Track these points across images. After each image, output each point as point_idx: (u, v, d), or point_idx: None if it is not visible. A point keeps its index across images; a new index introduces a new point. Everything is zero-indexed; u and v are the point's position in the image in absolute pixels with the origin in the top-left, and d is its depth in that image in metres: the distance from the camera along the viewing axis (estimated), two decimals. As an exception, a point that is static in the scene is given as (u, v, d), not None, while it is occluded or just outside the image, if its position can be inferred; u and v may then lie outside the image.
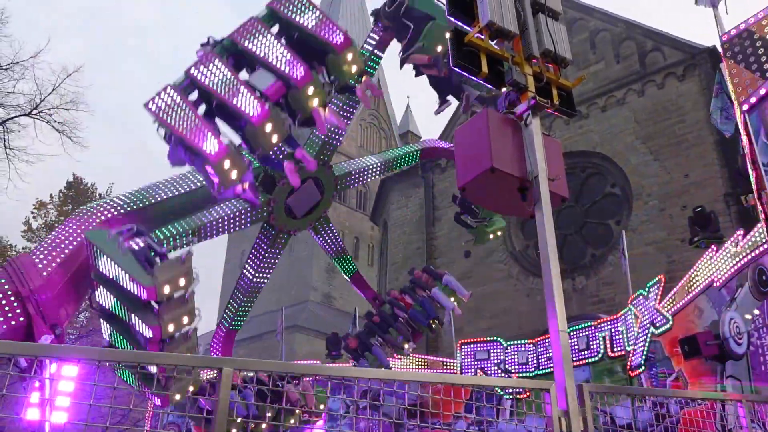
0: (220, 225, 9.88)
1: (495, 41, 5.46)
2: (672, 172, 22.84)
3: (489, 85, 5.40)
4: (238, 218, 10.05)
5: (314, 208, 10.71)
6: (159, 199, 9.10)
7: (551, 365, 15.65)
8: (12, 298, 7.10)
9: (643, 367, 13.40)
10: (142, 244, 7.26)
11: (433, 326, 12.95)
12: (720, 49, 7.87)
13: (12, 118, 21.39)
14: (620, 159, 24.44)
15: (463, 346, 16.51)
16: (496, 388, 5.21)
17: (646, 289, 13.73)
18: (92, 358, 3.49)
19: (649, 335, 13.37)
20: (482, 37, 5.33)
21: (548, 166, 5.04)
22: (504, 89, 5.41)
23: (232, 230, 10.18)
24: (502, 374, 15.56)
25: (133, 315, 6.99)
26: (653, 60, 24.90)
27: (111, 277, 7.15)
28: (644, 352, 13.49)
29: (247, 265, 11.74)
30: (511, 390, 10.44)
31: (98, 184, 29.10)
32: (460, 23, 5.53)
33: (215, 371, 3.07)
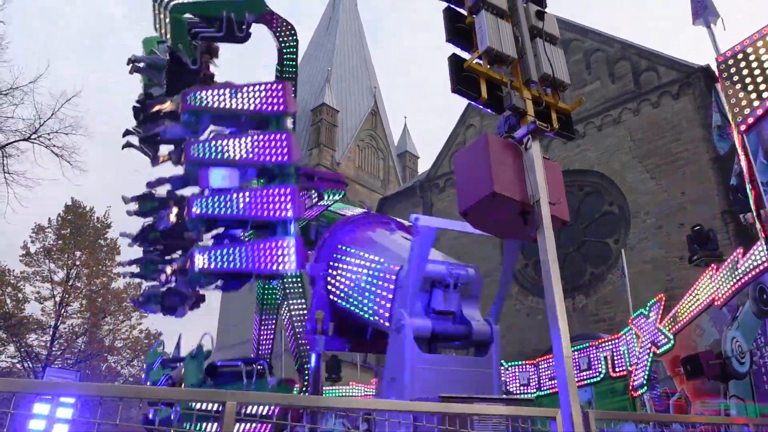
0: None
1: (493, 66, 5.49)
2: (669, 190, 22.91)
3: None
4: None
5: None
6: None
7: (553, 386, 15.53)
8: None
9: (646, 387, 13.31)
10: None
11: None
12: (714, 69, 7.92)
13: (11, 143, 21.43)
14: (617, 177, 24.52)
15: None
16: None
17: (647, 308, 13.69)
18: (92, 394, 3.45)
19: (651, 355, 13.30)
20: (481, 62, 5.36)
21: (549, 190, 5.04)
22: (503, 113, 5.42)
23: None
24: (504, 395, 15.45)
25: None
26: (648, 79, 25.10)
27: None
28: (646, 372, 13.41)
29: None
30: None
31: (96, 208, 29.05)
32: (459, 49, 5.56)
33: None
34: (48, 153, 21.99)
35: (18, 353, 23.92)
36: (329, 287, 6.94)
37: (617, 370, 14.66)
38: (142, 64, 11.72)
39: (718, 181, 21.66)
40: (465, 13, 5.70)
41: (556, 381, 15.04)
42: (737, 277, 10.96)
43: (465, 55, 5.52)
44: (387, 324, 6.08)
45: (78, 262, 27.17)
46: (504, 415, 4.33)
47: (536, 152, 5.09)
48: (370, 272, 6.49)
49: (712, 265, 12.29)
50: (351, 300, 6.64)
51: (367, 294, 6.45)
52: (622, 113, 25.11)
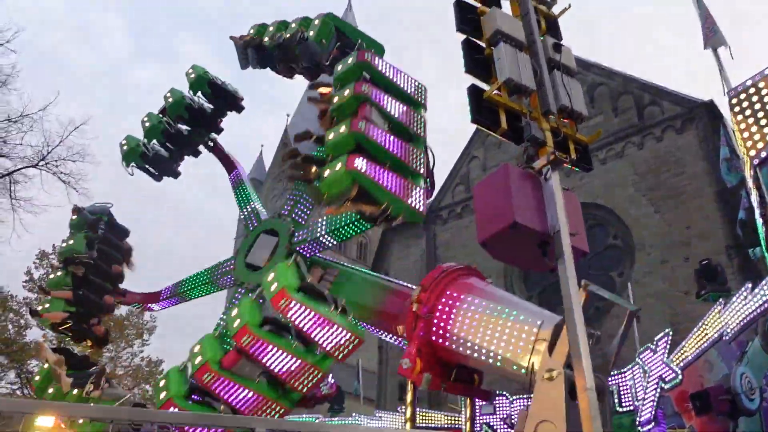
0: None
1: (512, 97, 5.53)
2: (673, 224, 22.91)
3: None
4: None
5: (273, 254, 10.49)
6: None
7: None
8: None
9: (653, 423, 13.13)
10: None
11: None
12: (718, 103, 8.00)
13: (19, 169, 21.55)
14: (621, 211, 24.54)
15: (467, 400, 16.17)
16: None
17: (654, 342, 13.57)
18: (109, 417, 3.41)
19: (658, 390, 13.15)
20: (500, 93, 5.40)
21: (568, 221, 5.04)
22: (522, 144, 5.45)
23: None
24: (509, 430, 15.26)
25: None
26: (651, 113, 25.29)
27: None
28: (653, 408, 13.25)
29: None
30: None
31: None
32: (477, 80, 5.61)
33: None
34: (54, 180, 22.10)
35: (18, 379, 23.71)
36: (436, 331, 7.13)
37: (624, 405, 14.48)
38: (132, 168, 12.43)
39: (722, 216, 21.66)
40: (483, 45, 5.77)
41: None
42: (746, 313, 10.90)
43: (484, 86, 5.57)
44: (523, 372, 6.43)
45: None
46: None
47: (556, 183, 5.10)
48: (509, 323, 6.74)
49: (720, 300, 12.24)
50: (471, 345, 6.88)
51: (502, 343, 6.70)
52: (626, 147, 25.24)
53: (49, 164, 21.81)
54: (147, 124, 12.30)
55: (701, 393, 11.42)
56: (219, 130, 13.06)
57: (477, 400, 8.45)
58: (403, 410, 17.65)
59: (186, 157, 13.02)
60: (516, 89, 5.43)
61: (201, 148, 12.99)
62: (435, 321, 7.23)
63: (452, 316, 7.12)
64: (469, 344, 6.90)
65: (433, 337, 7.26)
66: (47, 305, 11.53)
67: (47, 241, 35.53)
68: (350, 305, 8.22)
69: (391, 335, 8.69)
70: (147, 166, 12.51)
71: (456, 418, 16.42)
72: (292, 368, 7.33)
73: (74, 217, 12.43)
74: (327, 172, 8.05)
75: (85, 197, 22.26)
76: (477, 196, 5.41)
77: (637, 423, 13.75)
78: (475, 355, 6.88)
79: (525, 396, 15.95)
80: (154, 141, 12.40)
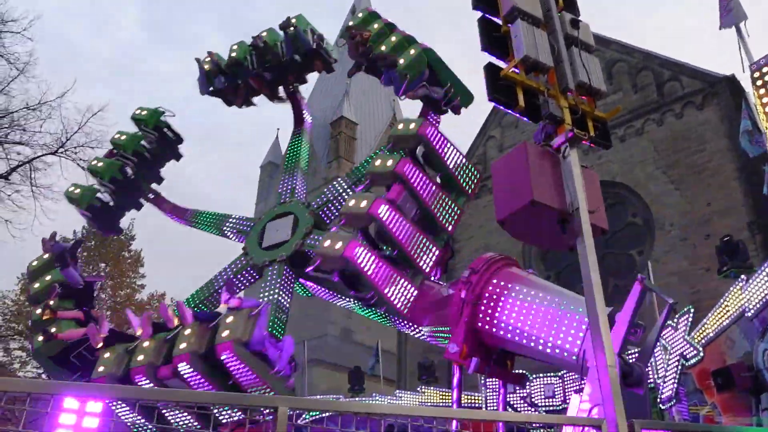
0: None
1: (529, 74, 5.48)
2: (693, 202, 22.67)
3: None
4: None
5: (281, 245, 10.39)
6: None
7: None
8: None
9: (674, 400, 13.11)
10: None
11: None
12: (739, 77, 7.88)
13: (39, 156, 21.75)
14: (641, 188, 24.31)
15: (487, 380, 16.24)
16: (534, 425, 5.21)
17: (675, 320, 13.51)
18: (130, 397, 3.49)
19: (680, 368, 13.11)
20: (517, 71, 5.35)
21: (587, 198, 5.01)
22: (540, 122, 5.41)
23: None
24: (529, 408, 15.31)
25: None
26: (671, 89, 24.93)
27: None
28: (675, 385, 13.21)
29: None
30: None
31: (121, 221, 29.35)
32: (494, 58, 5.56)
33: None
34: (74, 167, 22.28)
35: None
36: (482, 317, 7.41)
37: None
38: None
39: (744, 192, 21.41)
40: (500, 22, 5.71)
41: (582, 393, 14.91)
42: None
43: (501, 63, 5.53)
44: (574, 359, 6.68)
45: (102, 274, 27.41)
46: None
47: (574, 160, 5.07)
48: (559, 311, 6.98)
49: (742, 276, 12.14)
50: (520, 332, 7.14)
51: (552, 330, 6.96)
52: (645, 124, 24.94)
53: (68, 151, 22.00)
54: (100, 165, 11.73)
55: (723, 370, 11.38)
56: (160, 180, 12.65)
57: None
58: (423, 390, 17.82)
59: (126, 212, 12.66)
60: (533, 66, 5.37)
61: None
62: (482, 308, 7.42)
63: (500, 303, 7.32)
64: (518, 331, 7.11)
65: (479, 324, 7.44)
66: (76, 190, 11.66)
67: (68, 227, 35.96)
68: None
69: (412, 324, 8.73)
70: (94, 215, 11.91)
71: (476, 398, 16.49)
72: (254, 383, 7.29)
73: (141, 113, 12.10)
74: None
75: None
76: (495, 175, 5.39)
77: (659, 400, 13.73)
78: (524, 341, 7.08)
79: (542, 375, 15.98)
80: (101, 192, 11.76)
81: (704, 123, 23.45)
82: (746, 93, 8.96)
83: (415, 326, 8.68)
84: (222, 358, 7.00)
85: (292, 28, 11.71)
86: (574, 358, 6.70)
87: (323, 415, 12.23)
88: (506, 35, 5.58)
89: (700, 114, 23.72)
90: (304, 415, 12.34)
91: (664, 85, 25.17)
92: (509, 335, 7.21)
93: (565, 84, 5.44)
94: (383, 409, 3.81)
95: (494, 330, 7.35)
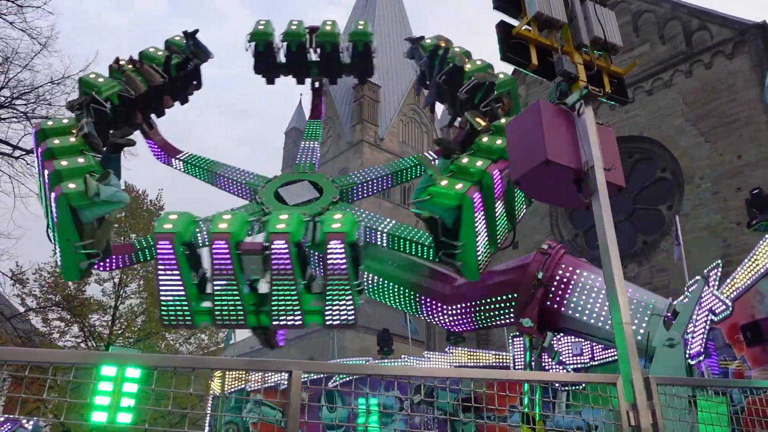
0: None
1: (543, 31, 5.39)
2: (724, 154, 22.21)
3: None
4: None
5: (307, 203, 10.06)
6: None
7: (606, 356, 15.38)
8: None
9: (703, 356, 13.06)
10: None
11: None
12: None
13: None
14: (669, 142, 23.86)
15: (515, 339, 16.35)
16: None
17: (704, 275, 13.37)
18: (149, 365, 3.63)
19: (709, 322, 13.03)
20: (530, 28, 5.27)
21: (603, 156, 4.96)
22: (554, 79, 5.34)
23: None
24: (557, 366, 15.39)
25: None
26: (700, 39, 24.22)
27: None
28: (703, 340, 13.15)
29: None
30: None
31: (149, 191, 29.76)
32: (506, 16, 5.47)
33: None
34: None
35: (82, 333, 24.86)
36: (552, 297, 8.01)
37: (673, 338, 14.40)
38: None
39: (777, 143, 20.91)
40: (512, -22, 5.60)
41: (608, 351, 14.93)
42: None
43: (513, 21, 5.44)
44: (639, 338, 7.14)
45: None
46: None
47: (589, 118, 5.00)
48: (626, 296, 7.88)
49: (773, 229, 11.96)
50: (589, 313, 7.75)
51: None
52: (674, 76, 24.34)
53: (94, 124, 22.21)
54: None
55: (752, 324, 11.33)
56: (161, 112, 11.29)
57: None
58: (451, 351, 18.00)
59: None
60: (547, 23, 5.28)
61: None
62: (553, 289, 7.87)
63: (571, 285, 7.83)
64: (587, 311, 7.66)
65: (548, 303, 7.86)
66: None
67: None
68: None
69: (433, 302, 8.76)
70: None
71: (504, 357, 16.64)
72: (282, 299, 7.10)
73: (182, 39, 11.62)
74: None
75: (129, 154, 22.72)
76: (510, 135, 5.35)
77: (687, 356, 13.67)
78: (592, 321, 7.65)
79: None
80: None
81: (734, 72, 22.81)
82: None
83: (449, 307, 8.68)
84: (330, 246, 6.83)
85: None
86: (639, 337, 7.12)
87: (352, 377, 12.48)
88: (519, -8, 5.47)
89: (730, 63, 23.06)
90: (334, 378, 12.60)
91: (693, 34, 24.45)
92: (577, 314, 7.72)
93: (580, 40, 5.33)
94: (392, 371, 3.89)
95: (562, 309, 7.83)
